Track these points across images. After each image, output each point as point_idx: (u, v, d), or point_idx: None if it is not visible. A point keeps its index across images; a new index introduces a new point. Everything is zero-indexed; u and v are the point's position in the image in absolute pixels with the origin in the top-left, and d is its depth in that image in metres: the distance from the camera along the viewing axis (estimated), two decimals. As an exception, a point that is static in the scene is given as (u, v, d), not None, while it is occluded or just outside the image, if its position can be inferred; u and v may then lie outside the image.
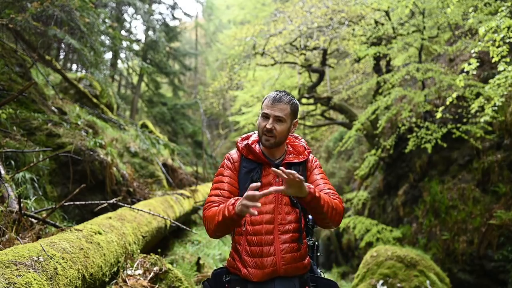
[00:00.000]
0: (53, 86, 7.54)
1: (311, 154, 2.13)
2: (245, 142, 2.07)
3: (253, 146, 2.03)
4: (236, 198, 1.81)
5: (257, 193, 1.64)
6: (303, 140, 2.19)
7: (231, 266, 1.98)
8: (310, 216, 2.12)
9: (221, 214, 1.79)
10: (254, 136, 2.11)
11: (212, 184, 2.06)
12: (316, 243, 2.12)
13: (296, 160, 2.04)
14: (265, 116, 1.96)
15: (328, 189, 1.99)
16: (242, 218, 1.77)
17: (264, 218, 1.93)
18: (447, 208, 7.63)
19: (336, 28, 10.49)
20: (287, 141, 2.12)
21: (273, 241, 1.90)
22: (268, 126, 1.93)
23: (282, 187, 1.72)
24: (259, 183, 1.67)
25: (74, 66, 15.69)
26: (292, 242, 1.92)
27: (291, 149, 2.10)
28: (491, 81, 5.32)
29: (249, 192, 1.65)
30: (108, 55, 15.28)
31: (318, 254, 2.23)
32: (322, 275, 2.12)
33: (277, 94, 1.97)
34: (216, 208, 1.87)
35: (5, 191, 3.37)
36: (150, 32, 16.41)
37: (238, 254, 1.94)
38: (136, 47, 15.41)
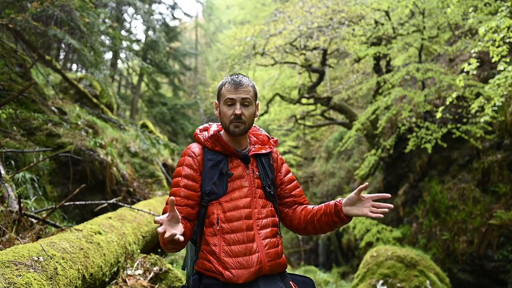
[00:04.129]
0: (53, 86, 7.54)
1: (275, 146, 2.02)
2: (212, 132, 1.90)
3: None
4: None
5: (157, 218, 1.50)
6: (262, 129, 2.07)
7: (206, 269, 1.77)
8: None
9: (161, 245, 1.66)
10: (214, 127, 1.97)
11: (171, 185, 1.87)
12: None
13: (263, 151, 1.92)
14: (230, 103, 1.82)
15: (300, 192, 1.99)
16: (173, 242, 1.56)
17: (243, 213, 1.78)
18: (447, 208, 7.63)
19: (336, 28, 10.50)
20: (249, 130, 1.97)
21: (254, 237, 1.77)
22: (237, 111, 1.79)
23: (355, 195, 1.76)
24: (172, 199, 1.52)
25: (74, 66, 15.70)
26: (272, 236, 1.81)
27: (254, 139, 1.98)
28: (491, 81, 5.33)
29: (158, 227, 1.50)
30: (108, 55, 15.30)
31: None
32: None
33: (237, 77, 1.85)
34: None
35: (5, 191, 3.37)
36: (150, 32, 16.41)
37: (214, 255, 1.75)
38: (136, 47, 15.42)
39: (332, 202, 1.86)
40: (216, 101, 1.92)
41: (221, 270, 1.72)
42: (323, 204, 1.90)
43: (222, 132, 1.94)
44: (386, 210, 1.72)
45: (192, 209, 1.80)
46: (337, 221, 1.82)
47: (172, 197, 1.53)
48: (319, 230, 1.90)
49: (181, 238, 1.50)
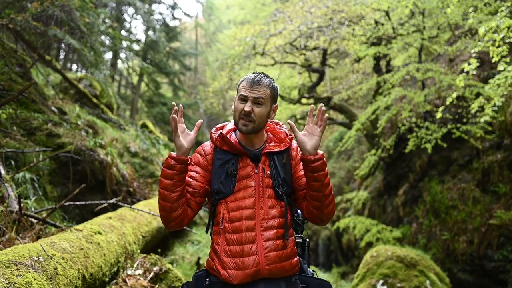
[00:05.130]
0: (53, 86, 7.55)
1: (294, 141, 1.94)
2: (219, 132, 1.89)
3: (228, 135, 1.86)
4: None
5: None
6: (284, 126, 2.01)
7: (210, 267, 1.81)
8: (299, 211, 1.98)
9: (162, 174, 1.73)
10: (230, 125, 1.95)
11: None
12: (307, 239, 1.93)
13: (278, 149, 1.86)
14: (243, 99, 1.80)
15: None
16: (181, 161, 1.70)
17: (243, 214, 1.75)
18: (447, 208, 7.63)
19: (336, 28, 10.50)
20: (267, 127, 1.94)
21: (255, 239, 1.73)
22: (246, 108, 1.76)
23: (300, 133, 1.73)
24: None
25: (74, 66, 15.69)
26: (276, 239, 1.75)
27: (271, 136, 1.92)
28: (491, 81, 5.33)
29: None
30: (108, 55, 15.30)
31: (310, 253, 2.03)
32: (314, 275, 1.94)
33: (256, 76, 1.81)
34: None
35: (5, 191, 3.37)
36: (150, 32, 16.41)
37: (216, 254, 1.77)
38: (136, 47, 15.42)
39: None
40: (235, 96, 1.90)
41: (220, 269, 1.74)
42: None
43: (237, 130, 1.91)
44: (322, 118, 1.74)
45: (190, 194, 1.80)
46: (308, 170, 1.73)
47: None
48: (317, 199, 1.77)
49: (181, 127, 1.73)
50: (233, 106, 1.88)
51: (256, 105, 1.78)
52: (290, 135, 1.95)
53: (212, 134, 1.92)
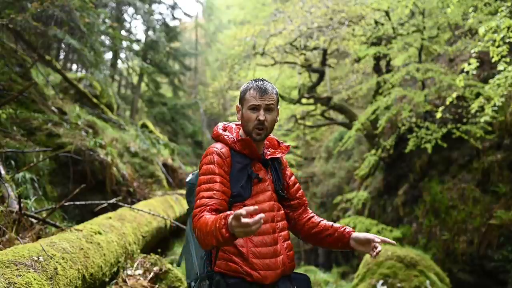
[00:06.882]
0: (53, 86, 7.55)
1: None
2: (229, 134, 1.92)
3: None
4: (225, 216, 1.52)
5: (249, 220, 1.41)
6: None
7: (230, 270, 1.76)
8: None
9: (213, 238, 1.56)
10: (235, 127, 1.99)
11: (200, 184, 1.81)
12: None
13: (279, 155, 1.96)
14: (254, 108, 1.85)
15: (302, 194, 2.05)
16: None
17: (269, 217, 1.83)
18: (447, 208, 7.63)
19: (336, 28, 10.48)
20: None
21: (277, 240, 1.84)
22: (261, 117, 1.82)
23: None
24: (255, 208, 1.44)
25: (74, 66, 15.67)
26: (288, 239, 1.90)
27: (267, 142, 2.03)
28: (491, 81, 5.32)
29: (243, 221, 1.41)
30: (108, 55, 15.28)
31: None
32: None
33: (262, 85, 1.86)
34: (208, 218, 1.62)
35: (5, 191, 3.37)
36: (150, 32, 16.40)
37: (242, 256, 1.75)
38: (136, 47, 15.40)
39: (341, 228, 1.94)
40: (238, 104, 1.94)
41: (249, 271, 1.74)
42: (330, 224, 1.97)
43: (241, 133, 1.96)
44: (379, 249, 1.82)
45: (226, 204, 1.79)
46: (340, 247, 1.94)
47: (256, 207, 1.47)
48: (319, 244, 2.04)
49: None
50: (238, 115, 1.93)
51: (267, 112, 1.86)
52: (281, 142, 2.06)
53: (224, 136, 1.90)
